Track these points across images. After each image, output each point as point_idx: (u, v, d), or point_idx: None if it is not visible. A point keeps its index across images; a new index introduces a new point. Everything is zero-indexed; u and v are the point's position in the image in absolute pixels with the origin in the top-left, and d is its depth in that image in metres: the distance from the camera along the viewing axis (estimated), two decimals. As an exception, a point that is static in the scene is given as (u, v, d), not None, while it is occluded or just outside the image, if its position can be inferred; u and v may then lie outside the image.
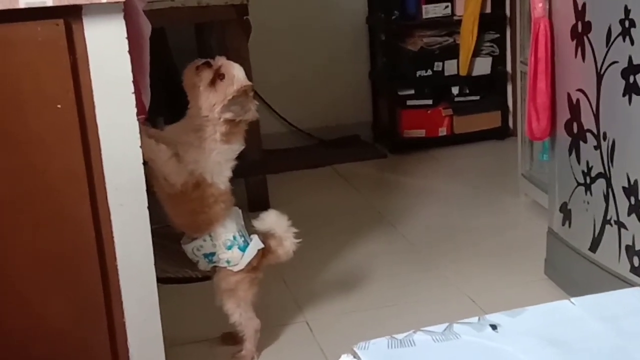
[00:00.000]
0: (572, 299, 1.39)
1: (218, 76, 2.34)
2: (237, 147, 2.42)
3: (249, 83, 2.39)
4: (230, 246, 2.43)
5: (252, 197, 3.64)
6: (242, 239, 2.46)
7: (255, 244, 2.47)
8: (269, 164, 3.89)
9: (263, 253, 2.49)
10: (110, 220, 1.94)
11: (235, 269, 2.45)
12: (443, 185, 4.03)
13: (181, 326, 2.67)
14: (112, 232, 1.95)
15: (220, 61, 2.38)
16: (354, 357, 1.26)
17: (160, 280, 2.10)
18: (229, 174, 2.43)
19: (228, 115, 2.33)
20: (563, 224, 2.74)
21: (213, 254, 2.44)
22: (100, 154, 1.88)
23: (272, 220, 2.50)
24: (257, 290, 2.51)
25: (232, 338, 2.59)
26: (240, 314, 2.49)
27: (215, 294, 2.50)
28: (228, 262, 2.44)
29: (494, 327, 1.33)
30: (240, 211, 2.50)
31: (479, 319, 1.35)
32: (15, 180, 1.82)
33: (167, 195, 2.35)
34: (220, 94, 2.33)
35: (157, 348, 2.09)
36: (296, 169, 4.34)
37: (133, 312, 2.02)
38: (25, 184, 1.83)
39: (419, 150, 4.51)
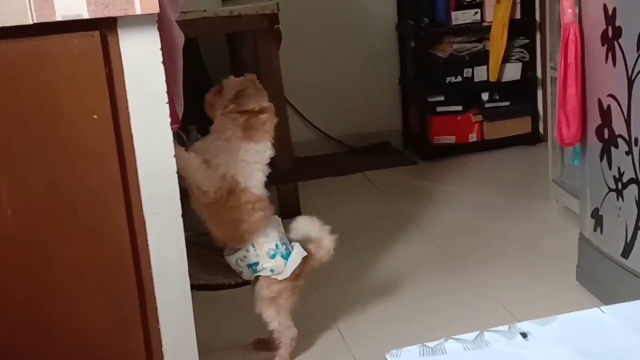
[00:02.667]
0: (603, 308, 1.39)
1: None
2: (262, 147, 2.44)
3: (251, 76, 2.51)
4: (273, 255, 2.45)
5: (283, 204, 3.67)
6: (284, 247, 2.48)
7: (298, 252, 2.49)
8: (300, 171, 3.92)
9: (304, 259, 2.51)
10: (145, 229, 1.96)
11: (280, 277, 2.47)
12: (474, 191, 4.03)
13: (215, 333, 2.70)
14: (147, 240, 1.97)
15: None
16: None
17: (194, 287, 2.13)
18: (260, 177, 2.45)
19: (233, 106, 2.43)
20: (595, 230, 2.74)
21: (257, 263, 2.46)
22: (136, 163, 1.91)
23: (303, 225, 2.53)
24: (297, 299, 2.54)
25: (266, 344, 2.61)
26: (280, 321, 2.51)
27: (255, 301, 2.52)
28: (272, 270, 2.47)
29: (524, 335, 1.34)
30: (279, 219, 2.53)
31: (509, 327, 1.36)
32: (55, 190, 1.85)
33: (204, 207, 2.40)
34: (226, 91, 2.47)
35: (191, 354, 2.11)
36: (327, 176, 4.36)
37: (168, 319, 2.04)
38: (64, 193, 1.86)
39: (449, 157, 4.52)
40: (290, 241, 2.53)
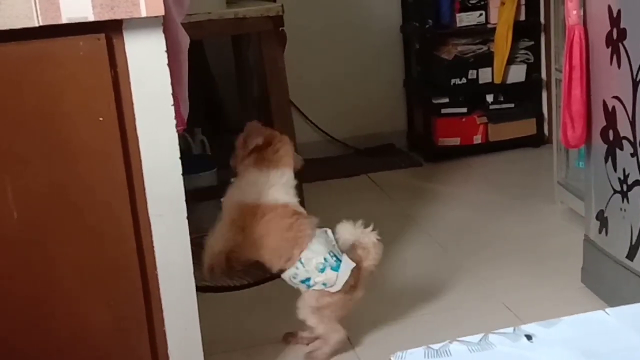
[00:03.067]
0: (607, 310, 1.39)
1: None
2: (278, 173, 2.52)
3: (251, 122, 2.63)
4: (322, 269, 2.45)
5: (288, 206, 3.66)
6: (334, 258, 2.46)
7: (347, 264, 2.47)
8: (305, 173, 3.91)
9: (357, 268, 2.49)
10: (150, 230, 1.97)
11: (333, 289, 2.46)
12: (478, 193, 4.03)
13: (220, 335, 2.70)
14: (152, 241, 1.97)
15: None
16: None
17: (199, 289, 2.13)
18: (274, 191, 2.50)
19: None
20: (600, 232, 2.74)
21: (308, 279, 2.47)
22: (141, 165, 1.92)
23: (344, 232, 2.51)
24: (348, 312, 2.54)
25: (294, 336, 2.66)
26: (324, 327, 2.52)
27: (300, 308, 2.51)
28: (324, 284, 2.46)
29: (529, 337, 1.34)
30: (329, 231, 2.51)
31: (514, 329, 1.36)
32: (60, 191, 1.86)
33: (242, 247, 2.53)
34: (238, 148, 2.59)
35: (196, 356, 2.12)
36: (332, 178, 4.36)
37: (173, 321, 2.05)
38: (69, 195, 1.86)
39: (454, 159, 4.51)
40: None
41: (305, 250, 2.45)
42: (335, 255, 2.47)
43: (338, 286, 2.45)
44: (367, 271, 2.52)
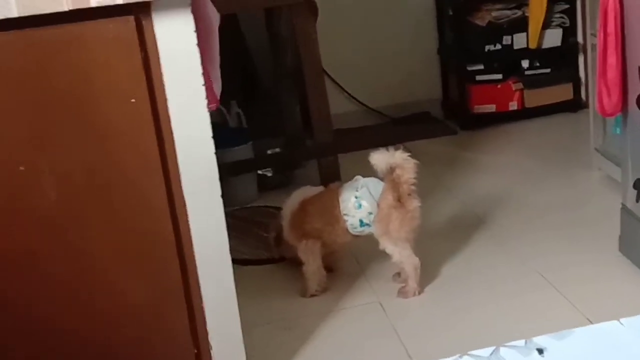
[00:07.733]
0: (622, 320, 1.37)
1: None
2: None
3: None
4: (359, 205, 2.73)
5: (324, 177, 3.67)
6: (364, 189, 2.73)
7: (373, 181, 2.74)
8: (340, 143, 3.92)
9: (396, 185, 2.67)
10: (185, 208, 2.00)
11: (382, 205, 2.69)
12: (515, 160, 4.00)
13: (258, 307, 2.73)
14: (187, 219, 2.01)
15: None
16: None
17: (236, 262, 2.15)
18: None
19: None
20: (637, 201, 2.71)
21: (361, 221, 2.74)
22: (174, 145, 1.94)
23: (379, 159, 2.67)
24: (414, 226, 2.72)
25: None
26: (400, 252, 2.72)
27: (379, 240, 2.75)
28: (370, 213, 2.72)
29: (540, 351, 1.33)
30: (351, 181, 2.80)
31: (525, 342, 1.35)
32: (96, 172, 1.89)
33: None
34: None
35: (234, 329, 2.15)
36: (367, 148, 4.33)
37: (211, 295, 2.08)
38: (104, 176, 1.90)
39: (490, 126, 4.47)
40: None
41: (340, 205, 2.74)
42: (364, 186, 2.73)
43: (375, 200, 2.70)
44: (408, 184, 2.68)
